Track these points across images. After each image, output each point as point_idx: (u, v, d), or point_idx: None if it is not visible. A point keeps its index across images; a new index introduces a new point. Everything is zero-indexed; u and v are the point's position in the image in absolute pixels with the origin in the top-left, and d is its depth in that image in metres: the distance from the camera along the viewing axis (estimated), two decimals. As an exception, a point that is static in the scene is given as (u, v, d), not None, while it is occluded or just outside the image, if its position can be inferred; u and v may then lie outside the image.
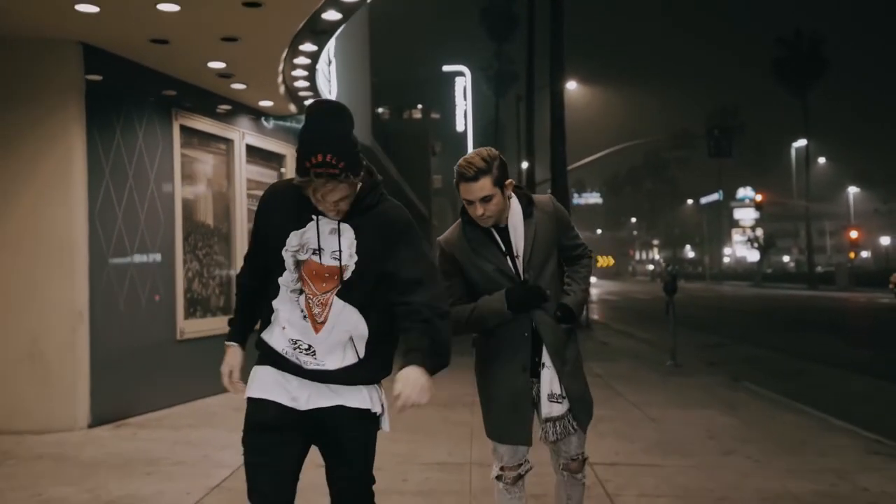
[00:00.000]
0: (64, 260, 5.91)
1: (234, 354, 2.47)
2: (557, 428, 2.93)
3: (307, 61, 6.84)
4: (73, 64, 5.94)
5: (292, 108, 8.47)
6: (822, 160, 68.84)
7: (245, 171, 8.21)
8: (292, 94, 7.94)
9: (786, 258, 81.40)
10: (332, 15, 5.68)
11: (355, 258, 2.27)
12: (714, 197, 75.55)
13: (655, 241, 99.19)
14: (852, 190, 64.23)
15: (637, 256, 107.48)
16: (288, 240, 2.28)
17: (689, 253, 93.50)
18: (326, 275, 2.28)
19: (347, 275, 2.27)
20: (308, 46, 6.37)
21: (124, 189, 6.42)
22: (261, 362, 2.41)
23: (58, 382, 5.86)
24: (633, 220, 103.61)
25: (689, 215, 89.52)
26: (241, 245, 8.03)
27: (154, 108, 6.83)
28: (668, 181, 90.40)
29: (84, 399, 5.93)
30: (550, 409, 2.90)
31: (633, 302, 34.22)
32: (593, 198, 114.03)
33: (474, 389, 3.12)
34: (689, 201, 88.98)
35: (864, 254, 72.80)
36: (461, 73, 60.74)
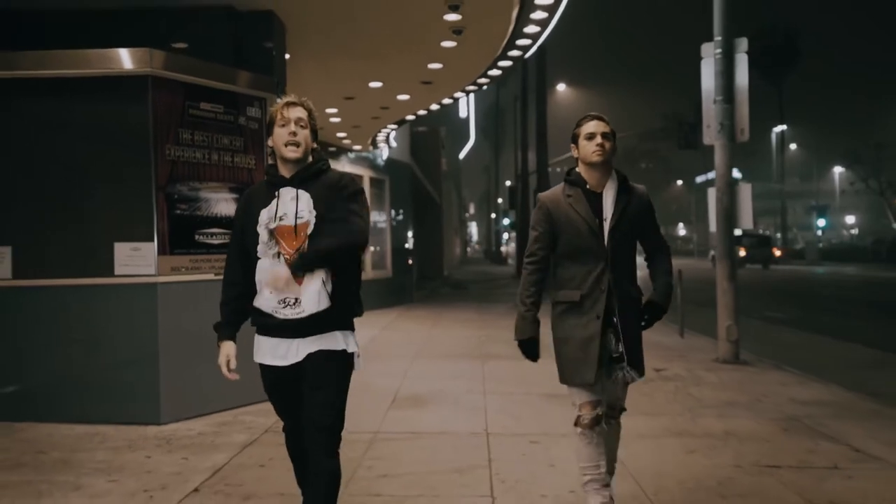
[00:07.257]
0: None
1: (229, 347, 2.92)
2: (618, 373, 3.25)
3: (389, 130, 12.38)
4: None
5: (371, 147, 13.99)
6: (793, 146, 71.85)
7: (343, 189, 13.68)
8: (373, 141, 13.45)
9: (777, 235, 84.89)
10: (410, 116, 11.21)
11: (314, 213, 2.80)
12: (708, 176, 79.25)
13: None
14: (837, 170, 67.89)
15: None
16: (260, 217, 2.84)
17: (681, 231, 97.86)
18: (293, 233, 2.79)
19: (310, 229, 2.79)
20: (392, 126, 11.90)
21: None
22: (258, 331, 2.91)
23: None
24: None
25: (681, 195, 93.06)
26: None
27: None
28: (661, 161, 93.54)
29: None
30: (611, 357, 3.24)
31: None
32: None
33: (480, 314, 6.93)
34: (679, 182, 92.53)
35: (854, 231, 77.04)
36: (464, 63, 64.50)
